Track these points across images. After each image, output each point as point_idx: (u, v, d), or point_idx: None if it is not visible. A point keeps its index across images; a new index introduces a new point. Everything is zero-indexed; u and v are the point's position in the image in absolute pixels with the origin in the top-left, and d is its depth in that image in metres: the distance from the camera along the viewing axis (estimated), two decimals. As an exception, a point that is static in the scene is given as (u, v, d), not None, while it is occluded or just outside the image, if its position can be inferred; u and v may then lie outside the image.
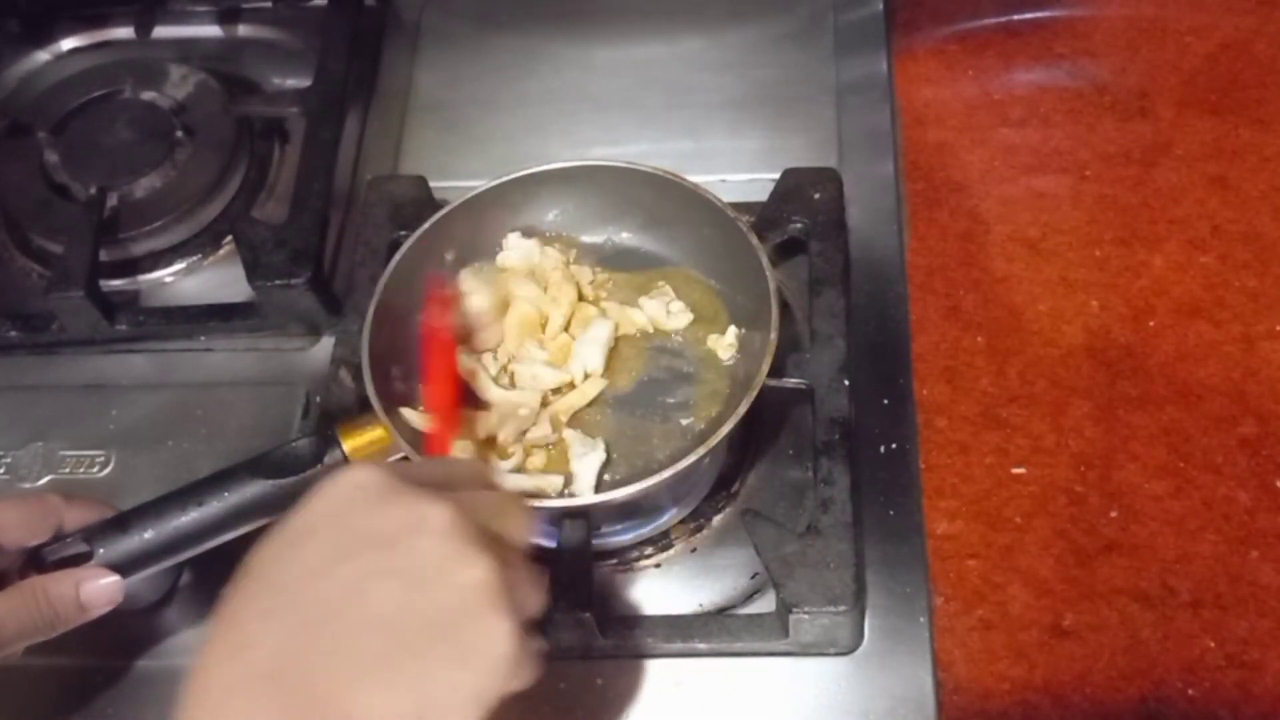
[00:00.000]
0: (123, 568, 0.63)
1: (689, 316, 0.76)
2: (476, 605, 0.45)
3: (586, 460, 0.70)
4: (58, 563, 0.62)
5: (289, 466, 0.66)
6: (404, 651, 0.44)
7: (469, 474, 0.55)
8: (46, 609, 0.60)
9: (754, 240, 0.72)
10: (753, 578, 0.72)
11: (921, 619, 0.70)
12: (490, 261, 0.78)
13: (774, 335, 0.67)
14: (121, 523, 0.64)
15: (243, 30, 1.02)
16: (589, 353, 0.74)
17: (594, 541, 0.70)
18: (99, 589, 0.62)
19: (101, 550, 0.63)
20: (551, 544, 0.69)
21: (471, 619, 0.45)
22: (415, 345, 0.74)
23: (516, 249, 0.77)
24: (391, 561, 0.45)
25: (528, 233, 0.79)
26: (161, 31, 1.02)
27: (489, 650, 0.45)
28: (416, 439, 0.69)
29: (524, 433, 0.72)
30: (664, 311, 0.75)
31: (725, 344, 0.73)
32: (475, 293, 0.75)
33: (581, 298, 0.77)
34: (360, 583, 0.45)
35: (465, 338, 0.74)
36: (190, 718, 0.43)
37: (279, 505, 0.66)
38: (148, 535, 0.64)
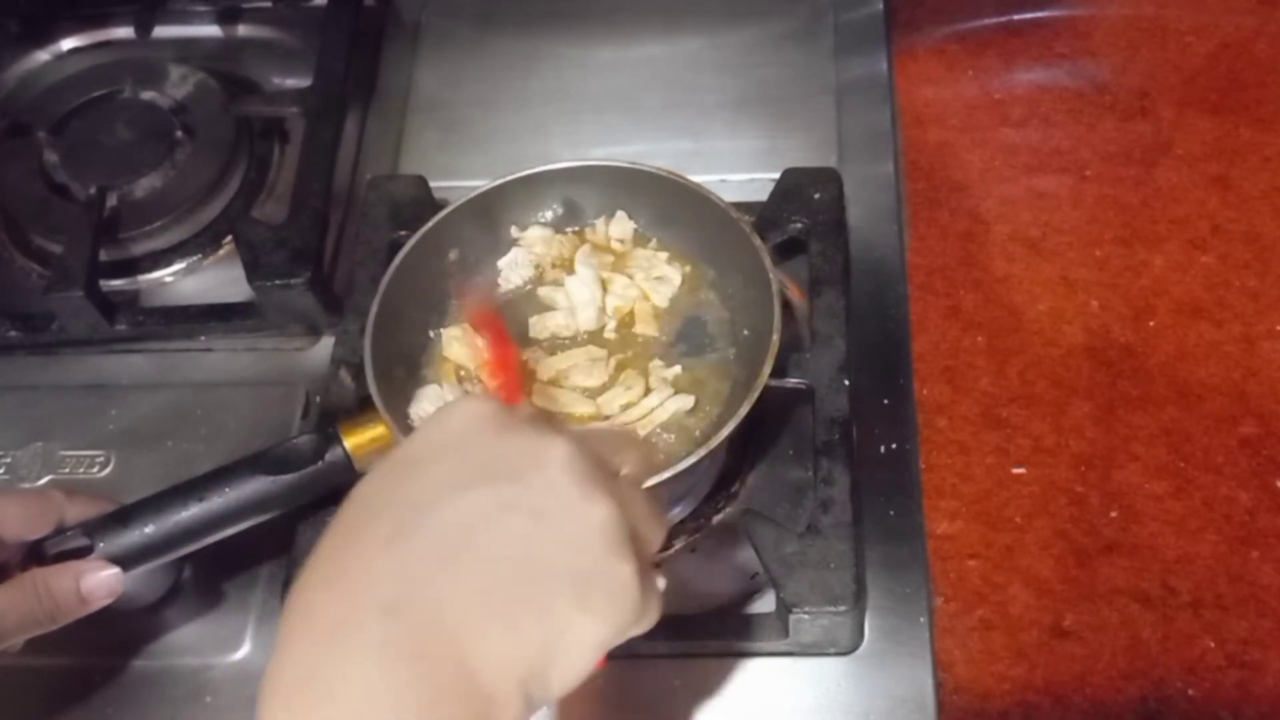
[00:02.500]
0: (123, 561, 0.63)
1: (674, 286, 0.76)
2: (600, 547, 0.43)
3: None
4: (58, 556, 0.62)
5: (290, 463, 0.66)
6: (528, 593, 0.42)
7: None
8: (47, 601, 0.60)
9: (756, 240, 0.72)
10: (753, 578, 0.72)
11: (922, 619, 0.70)
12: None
13: (776, 336, 0.67)
14: (122, 517, 0.64)
15: (242, 30, 1.02)
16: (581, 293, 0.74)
17: (594, 541, 0.70)
18: (99, 581, 0.62)
19: (102, 544, 0.63)
20: None
21: (595, 562, 0.43)
22: (417, 345, 0.75)
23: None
24: (516, 495, 0.43)
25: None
26: (161, 31, 1.01)
27: (612, 595, 0.43)
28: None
29: None
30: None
31: (660, 376, 0.73)
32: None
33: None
34: (486, 514, 0.42)
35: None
36: (293, 651, 0.41)
37: (280, 502, 0.67)
38: (148, 530, 0.64)
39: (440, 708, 0.39)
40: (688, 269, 0.77)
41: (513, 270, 0.78)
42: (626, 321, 0.76)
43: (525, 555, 0.42)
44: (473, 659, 0.40)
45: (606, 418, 0.71)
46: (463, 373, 0.74)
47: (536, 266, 0.78)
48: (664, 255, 0.78)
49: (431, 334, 0.76)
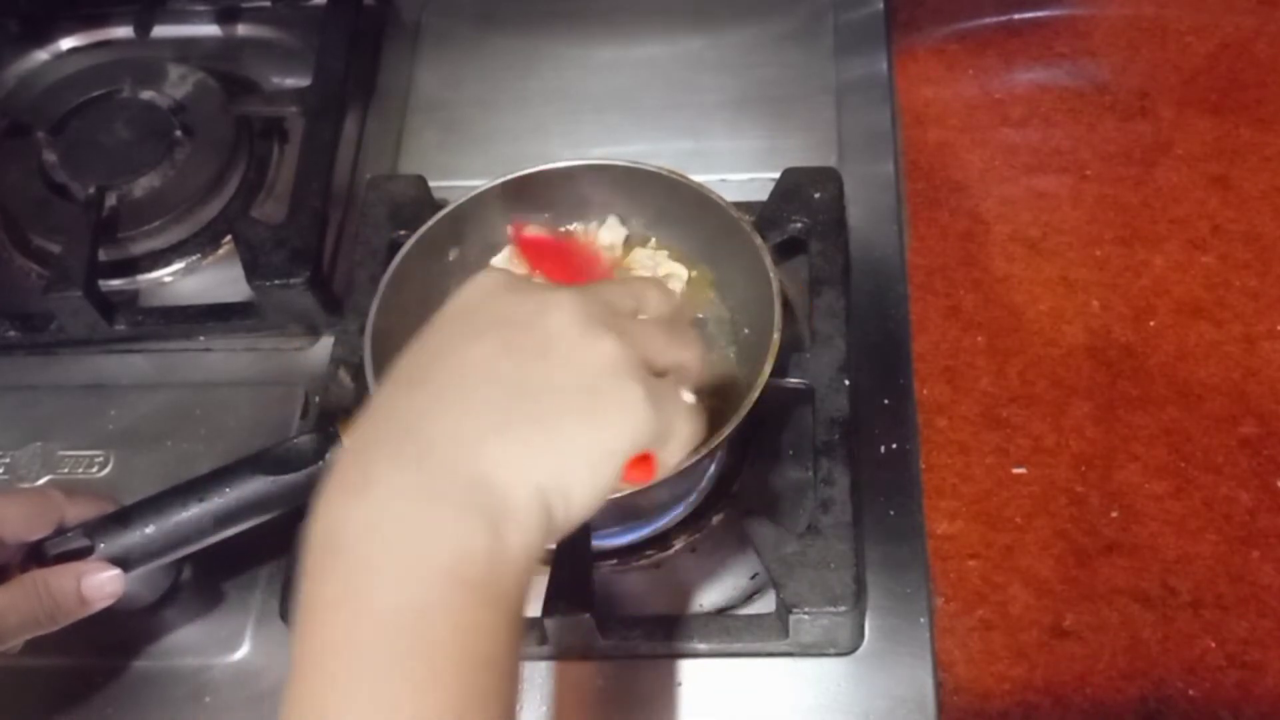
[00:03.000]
0: (123, 562, 0.63)
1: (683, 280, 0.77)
2: (606, 373, 0.47)
3: None
4: (59, 556, 0.62)
5: (290, 463, 0.66)
6: (537, 412, 0.46)
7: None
8: (48, 602, 0.60)
9: (758, 240, 0.72)
10: (753, 578, 0.72)
11: (922, 619, 0.70)
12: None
13: (777, 335, 0.67)
14: (122, 517, 0.64)
15: (242, 30, 1.02)
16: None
17: (594, 542, 0.70)
18: (100, 583, 0.62)
19: (102, 544, 0.63)
20: (551, 545, 0.69)
21: (601, 385, 0.46)
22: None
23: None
24: (522, 338, 0.47)
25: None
26: (161, 31, 1.01)
27: (618, 410, 0.46)
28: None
29: None
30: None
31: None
32: None
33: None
34: (493, 355, 0.47)
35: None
36: (335, 480, 0.45)
37: (280, 501, 0.66)
38: (149, 530, 0.63)
39: (453, 507, 0.44)
40: (694, 273, 0.77)
41: None
42: None
43: (531, 384, 0.46)
44: (484, 465, 0.44)
45: None
46: None
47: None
48: (664, 253, 0.78)
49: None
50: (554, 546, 0.69)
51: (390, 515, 0.44)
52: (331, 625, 0.43)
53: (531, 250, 0.75)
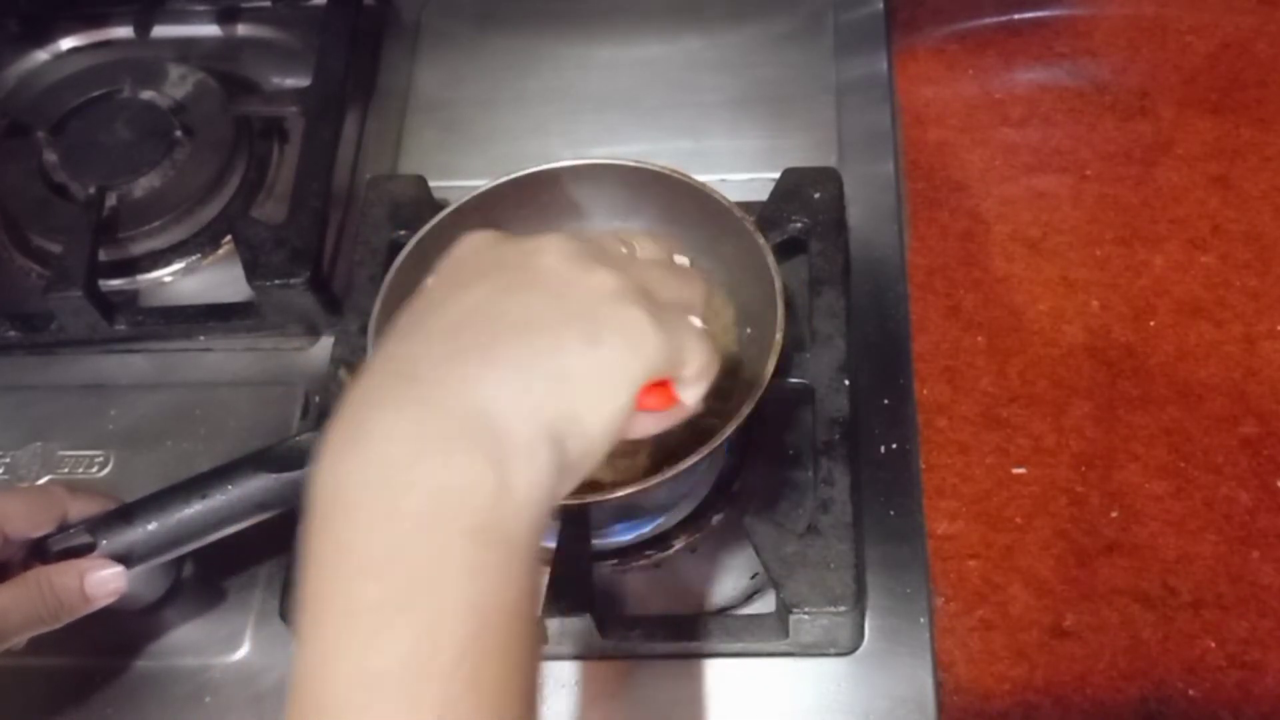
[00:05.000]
0: (126, 559, 0.63)
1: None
2: (605, 301, 0.46)
3: None
4: (61, 553, 0.62)
5: (293, 461, 0.66)
6: (535, 344, 0.45)
7: None
8: (51, 599, 0.60)
9: (761, 240, 0.71)
10: (753, 578, 0.72)
11: (922, 619, 0.70)
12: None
13: (779, 335, 0.67)
14: (125, 514, 0.64)
15: (242, 30, 1.02)
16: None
17: (594, 541, 0.70)
18: (103, 579, 0.62)
19: (105, 541, 0.63)
20: (551, 544, 0.69)
21: (601, 311, 0.46)
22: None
23: None
24: (515, 279, 0.47)
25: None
26: (160, 31, 1.01)
27: (623, 334, 0.45)
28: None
29: None
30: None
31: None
32: None
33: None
34: (487, 298, 0.46)
35: None
36: (330, 435, 0.44)
37: (282, 499, 0.66)
38: (151, 527, 0.63)
39: (450, 447, 0.42)
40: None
41: None
42: None
43: (528, 318, 0.45)
44: (481, 401, 0.43)
45: None
46: None
47: None
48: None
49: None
50: (554, 546, 0.69)
51: (383, 461, 0.42)
52: (330, 582, 0.41)
53: None
